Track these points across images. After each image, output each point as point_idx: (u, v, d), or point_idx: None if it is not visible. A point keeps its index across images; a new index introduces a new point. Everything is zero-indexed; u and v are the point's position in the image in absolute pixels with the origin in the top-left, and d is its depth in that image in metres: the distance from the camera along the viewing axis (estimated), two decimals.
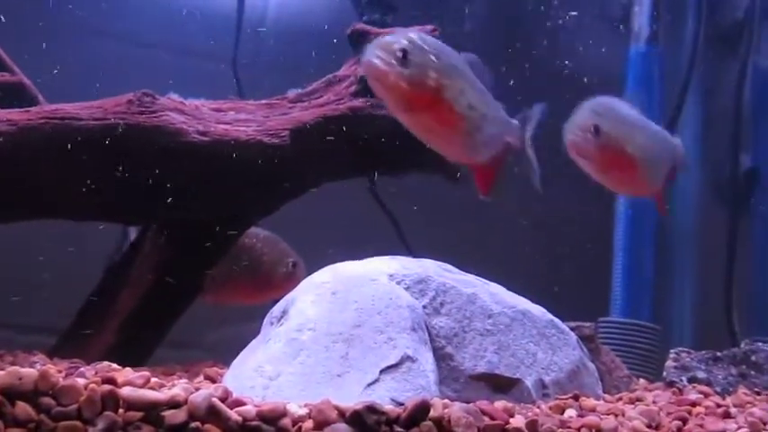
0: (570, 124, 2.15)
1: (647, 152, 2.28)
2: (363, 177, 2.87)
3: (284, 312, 1.83)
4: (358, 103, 2.39)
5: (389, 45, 1.89)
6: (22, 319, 2.96)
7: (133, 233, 2.60)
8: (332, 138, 2.36)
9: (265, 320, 1.90)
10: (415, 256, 1.97)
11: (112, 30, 3.44)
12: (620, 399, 1.95)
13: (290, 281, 2.66)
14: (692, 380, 2.16)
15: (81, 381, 1.33)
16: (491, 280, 2.00)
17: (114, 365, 1.82)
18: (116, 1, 3.47)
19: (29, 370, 1.29)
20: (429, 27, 2.56)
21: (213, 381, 1.86)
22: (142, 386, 1.40)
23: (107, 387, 1.31)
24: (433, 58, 1.93)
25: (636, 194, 2.33)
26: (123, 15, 3.49)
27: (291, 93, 2.50)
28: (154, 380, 1.49)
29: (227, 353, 1.96)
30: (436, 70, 1.93)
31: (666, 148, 2.43)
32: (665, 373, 2.22)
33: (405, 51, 1.88)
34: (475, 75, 2.06)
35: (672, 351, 2.25)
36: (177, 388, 1.36)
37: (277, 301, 1.90)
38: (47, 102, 2.34)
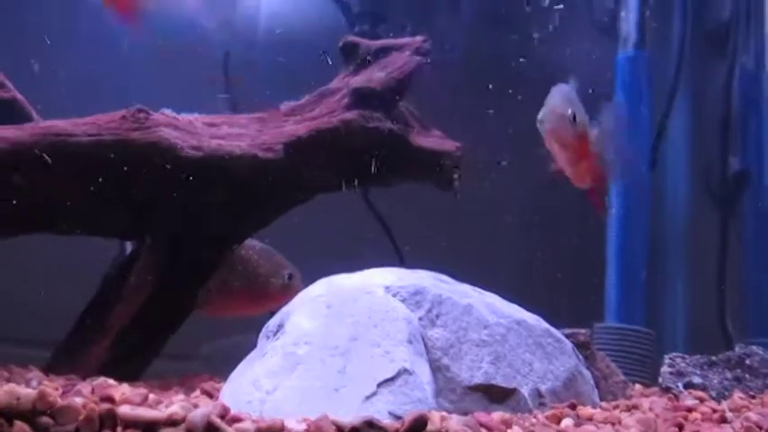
0: (548, 113, 2.21)
1: (599, 143, 2.37)
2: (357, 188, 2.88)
3: (280, 326, 1.84)
4: (351, 115, 2.40)
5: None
6: (15, 332, 2.95)
7: (129, 247, 2.61)
8: (325, 150, 2.37)
9: (261, 334, 1.91)
10: (406, 266, 1.98)
11: (104, 39, 3.44)
12: (617, 406, 1.96)
13: (287, 292, 2.66)
14: (687, 385, 2.17)
15: (79, 400, 1.33)
16: (485, 288, 2.01)
17: (111, 381, 1.83)
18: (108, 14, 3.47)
19: (27, 390, 1.30)
20: (419, 38, 2.59)
21: (210, 395, 1.86)
22: (140, 404, 1.41)
23: (105, 406, 1.32)
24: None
25: (582, 181, 2.39)
26: (114, 26, 3.49)
27: (284, 106, 2.50)
28: (151, 396, 1.49)
29: (222, 364, 1.96)
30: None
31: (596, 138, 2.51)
32: (660, 379, 2.23)
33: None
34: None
35: (667, 356, 2.26)
36: (175, 406, 1.36)
37: (273, 313, 1.91)
38: (40, 118, 2.34)
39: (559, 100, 2.22)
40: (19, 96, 2.44)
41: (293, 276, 2.73)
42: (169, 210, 2.25)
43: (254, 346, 1.91)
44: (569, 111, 2.18)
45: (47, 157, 2.06)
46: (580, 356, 2.06)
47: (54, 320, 2.37)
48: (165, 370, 2.43)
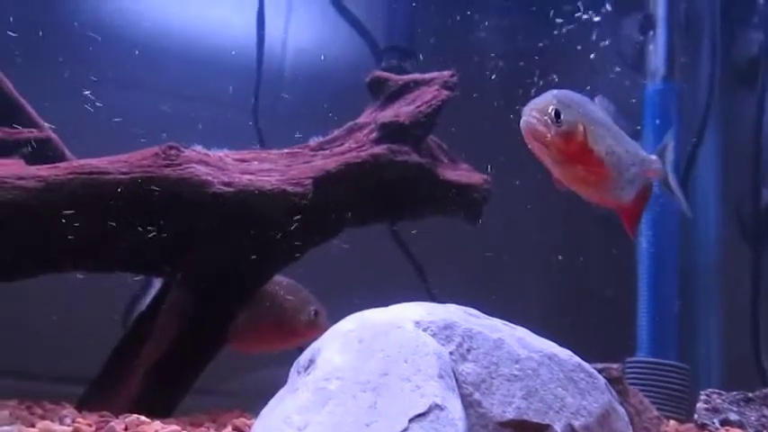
0: (528, 106, 2.11)
1: (615, 155, 2.22)
2: (385, 223, 2.89)
3: (311, 361, 1.83)
4: (379, 149, 2.42)
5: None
6: (49, 369, 2.98)
7: (152, 282, 2.63)
8: (354, 184, 2.38)
9: (292, 369, 1.90)
10: (437, 301, 1.97)
11: (134, 81, 3.50)
12: None
13: (313, 329, 2.66)
14: (724, 422, 2.13)
15: None
16: (514, 323, 2.00)
17: (143, 418, 1.83)
18: (136, 53, 3.54)
19: (62, 427, 1.31)
20: (447, 72, 2.60)
21: (241, 431, 1.86)
22: None
23: None
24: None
25: (598, 201, 2.28)
26: (144, 67, 3.56)
27: (313, 141, 2.53)
28: None
29: (249, 399, 1.96)
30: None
31: (640, 161, 2.35)
32: (696, 416, 2.19)
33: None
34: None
35: (702, 392, 2.22)
36: None
37: (303, 348, 1.91)
38: (74, 156, 2.38)
39: (547, 97, 2.12)
40: (53, 135, 2.49)
41: (319, 313, 2.73)
42: (200, 246, 2.27)
43: (281, 380, 1.91)
44: (551, 107, 2.06)
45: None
46: (613, 392, 2.03)
47: (86, 357, 2.39)
48: (192, 405, 2.43)
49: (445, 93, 2.53)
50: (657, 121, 3.62)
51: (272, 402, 1.85)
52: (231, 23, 3.80)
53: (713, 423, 2.13)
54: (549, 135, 2.06)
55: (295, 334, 2.71)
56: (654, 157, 2.30)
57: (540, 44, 3.90)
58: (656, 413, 2.29)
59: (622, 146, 2.22)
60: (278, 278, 2.68)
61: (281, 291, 2.69)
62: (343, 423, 1.61)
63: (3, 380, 2.97)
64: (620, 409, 2.01)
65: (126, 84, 3.40)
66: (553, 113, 2.06)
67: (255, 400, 1.86)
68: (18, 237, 2.13)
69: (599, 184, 2.19)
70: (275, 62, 3.81)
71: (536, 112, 2.06)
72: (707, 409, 2.17)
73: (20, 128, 2.42)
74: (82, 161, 2.22)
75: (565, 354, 1.96)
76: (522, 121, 2.07)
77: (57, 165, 2.21)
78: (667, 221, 3.52)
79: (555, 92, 2.12)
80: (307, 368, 1.83)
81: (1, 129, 2.41)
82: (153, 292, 2.57)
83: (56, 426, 1.31)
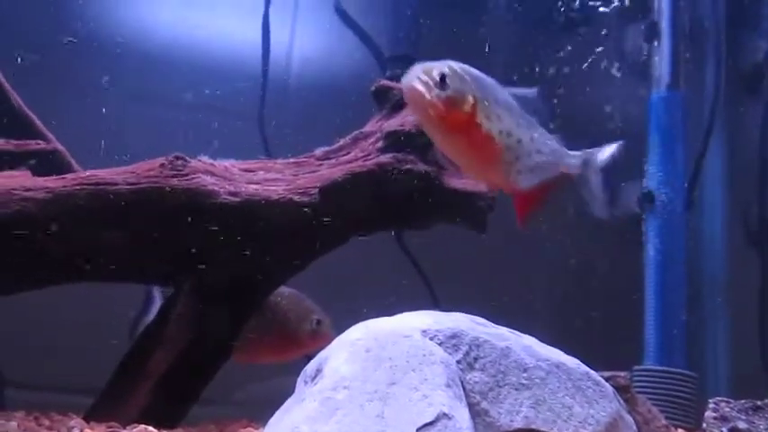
0: (417, 66, 1.98)
1: (513, 138, 2.07)
2: (391, 232, 2.89)
3: (318, 371, 1.83)
4: (385, 158, 2.42)
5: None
6: (54, 379, 2.98)
7: (156, 293, 2.63)
8: (360, 193, 2.38)
9: (299, 379, 1.90)
10: (443, 309, 1.97)
11: (139, 91, 3.51)
12: None
13: (315, 338, 2.66)
14: (732, 431, 2.12)
15: None
16: (520, 330, 1.99)
17: (151, 428, 1.84)
18: (142, 62, 3.56)
19: None
20: None
21: None
22: None
23: None
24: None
25: (487, 181, 2.18)
26: (148, 76, 3.57)
27: (319, 150, 2.53)
28: None
29: (256, 409, 1.96)
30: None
31: (551, 152, 2.18)
32: (704, 425, 2.18)
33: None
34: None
35: (711, 401, 2.22)
36: None
37: (310, 358, 1.90)
38: (80, 168, 2.39)
39: (440, 62, 1.98)
40: (60, 147, 2.51)
41: (321, 322, 2.72)
42: (207, 255, 2.27)
43: (288, 389, 1.91)
44: (438, 71, 1.93)
45: None
46: (621, 400, 2.02)
47: (93, 367, 2.39)
48: (200, 415, 2.43)
49: None
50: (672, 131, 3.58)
51: (279, 412, 1.85)
52: (237, 34, 3.82)
53: None
54: (428, 97, 1.93)
55: (298, 344, 2.70)
56: (575, 153, 2.15)
57: (545, 52, 3.91)
58: (664, 422, 2.29)
59: (528, 133, 2.08)
60: (280, 288, 2.67)
61: (283, 301, 2.68)
62: None
63: (10, 391, 2.98)
64: (629, 418, 2.01)
65: (134, 95, 3.42)
66: (438, 78, 1.94)
67: (263, 410, 1.86)
68: (27, 247, 2.14)
69: (487, 164, 2.06)
70: (280, 72, 3.82)
71: (422, 73, 1.94)
72: (715, 418, 2.17)
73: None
74: (89, 172, 2.24)
75: (572, 362, 1.96)
76: (403, 80, 1.95)
77: (64, 176, 2.22)
78: (674, 229, 3.52)
79: (455, 62, 2.00)
80: (314, 378, 1.82)
81: (9, 141, 2.43)
82: (156, 304, 2.58)
83: None
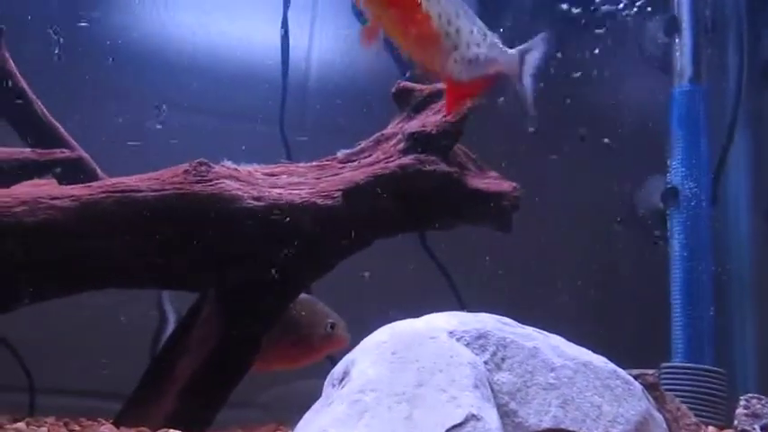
0: None
1: (452, 25, 2.05)
2: (415, 233, 2.88)
3: (345, 374, 1.83)
4: (407, 160, 2.42)
5: None
6: (83, 384, 3.01)
7: (166, 302, 2.64)
8: (383, 195, 2.38)
9: (326, 382, 1.91)
10: (468, 310, 1.97)
11: (163, 99, 3.54)
12: None
13: (330, 342, 2.65)
14: (764, 428, 2.09)
15: None
16: (547, 330, 1.99)
17: None
18: (160, 69, 3.58)
19: None
20: None
21: None
22: None
23: None
24: None
25: (423, 64, 2.14)
26: (169, 82, 3.60)
27: (341, 153, 2.53)
28: None
29: (284, 412, 1.96)
30: None
31: (490, 48, 2.15)
32: (735, 422, 2.16)
33: None
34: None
35: (742, 398, 2.20)
36: None
37: (336, 360, 1.91)
38: (105, 175, 2.41)
39: None
40: (84, 154, 2.53)
41: (335, 325, 2.70)
42: (231, 260, 2.28)
43: (316, 392, 1.91)
44: None
45: None
46: (650, 398, 2.01)
47: (123, 372, 2.41)
48: (228, 419, 2.44)
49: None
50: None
51: (307, 415, 1.85)
52: (256, 39, 3.83)
53: (754, 429, 2.10)
54: None
55: (313, 349, 2.67)
56: (512, 51, 2.13)
57: (565, 47, 3.88)
58: (694, 419, 2.27)
59: (468, 25, 2.06)
60: None
61: (297, 305, 2.67)
62: None
63: (40, 396, 3.01)
64: (658, 416, 1.99)
65: (156, 102, 3.44)
66: None
67: (290, 413, 1.87)
68: (54, 256, 2.16)
69: (425, 47, 2.04)
70: (300, 75, 3.83)
71: None
72: (746, 415, 2.15)
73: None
74: (114, 180, 2.25)
75: (600, 361, 1.95)
76: None
77: (90, 184, 2.24)
78: (700, 224, 3.49)
79: None
80: (341, 381, 1.83)
81: (34, 150, 2.45)
82: (171, 314, 2.59)
83: None
